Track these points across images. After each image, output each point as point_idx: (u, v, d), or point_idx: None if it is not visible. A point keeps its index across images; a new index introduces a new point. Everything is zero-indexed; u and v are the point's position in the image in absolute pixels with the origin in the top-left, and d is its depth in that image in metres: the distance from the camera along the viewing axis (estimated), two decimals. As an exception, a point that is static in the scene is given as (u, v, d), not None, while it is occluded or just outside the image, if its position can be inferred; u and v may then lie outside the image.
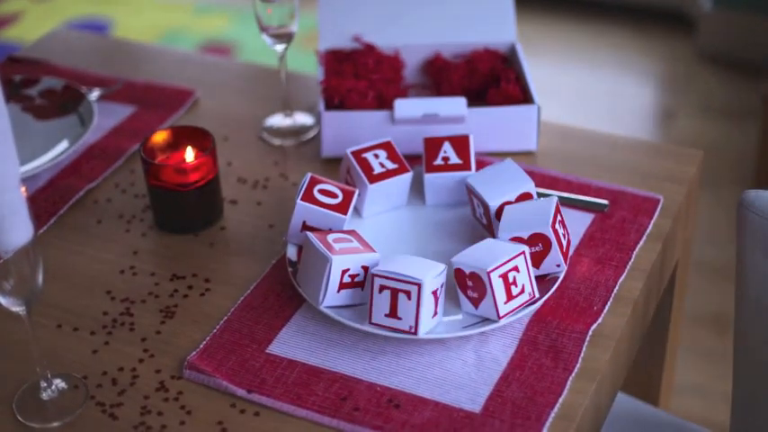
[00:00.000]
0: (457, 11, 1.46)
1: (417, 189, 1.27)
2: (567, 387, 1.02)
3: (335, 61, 1.44)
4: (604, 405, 1.10)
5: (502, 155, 1.36)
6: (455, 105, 1.32)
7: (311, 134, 1.43)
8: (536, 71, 3.09)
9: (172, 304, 1.15)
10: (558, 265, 1.11)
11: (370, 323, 1.05)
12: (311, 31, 3.42)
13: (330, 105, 1.38)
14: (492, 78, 1.42)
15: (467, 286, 1.07)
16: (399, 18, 1.46)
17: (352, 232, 1.12)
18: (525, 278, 1.06)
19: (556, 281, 1.11)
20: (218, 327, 1.11)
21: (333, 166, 1.36)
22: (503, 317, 1.06)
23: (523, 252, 1.06)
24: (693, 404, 2.09)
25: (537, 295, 1.08)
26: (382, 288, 1.04)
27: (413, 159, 1.34)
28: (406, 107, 1.32)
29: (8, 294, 0.95)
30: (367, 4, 1.46)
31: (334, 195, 1.16)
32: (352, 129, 1.34)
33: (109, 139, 1.43)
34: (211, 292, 1.17)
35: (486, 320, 1.07)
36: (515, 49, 1.44)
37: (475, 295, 1.06)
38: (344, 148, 1.34)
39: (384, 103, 1.39)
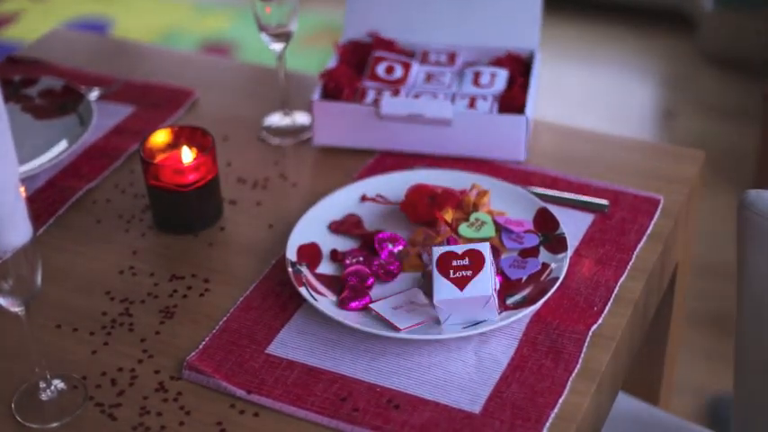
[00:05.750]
0: (482, 13, 1.45)
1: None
2: (568, 387, 1.01)
3: (351, 54, 1.45)
4: (604, 405, 1.10)
5: (489, 162, 1.34)
6: (441, 107, 1.32)
7: (310, 134, 1.43)
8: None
9: (171, 305, 1.15)
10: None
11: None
12: (310, 30, 3.42)
13: (327, 94, 1.39)
14: (511, 83, 1.41)
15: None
16: (425, 17, 1.46)
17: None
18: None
19: (556, 281, 1.10)
20: (217, 327, 1.11)
21: (328, 160, 1.36)
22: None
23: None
24: (693, 404, 2.09)
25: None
26: None
27: (398, 157, 1.35)
28: (392, 104, 1.33)
29: (7, 294, 0.95)
30: (394, 1, 1.46)
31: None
32: (341, 120, 1.35)
33: (108, 139, 1.43)
34: (211, 293, 1.16)
35: (486, 321, 1.07)
36: (534, 56, 1.43)
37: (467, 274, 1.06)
38: (335, 138, 1.36)
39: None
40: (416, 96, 1.37)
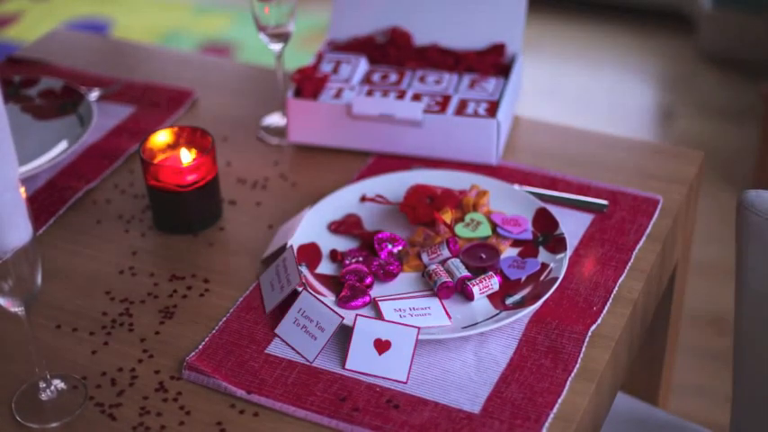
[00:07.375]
0: (467, 15, 1.45)
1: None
2: (567, 387, 1.02)
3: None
4: (604, 405, 1.10)
5: (460, 164, 1.34)
6: (411, 109, 1.32)
7: (310, 134, 1.43)
8: (536, 71, 3.10)
9: (171, 305, 1.15)
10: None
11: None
12: (309, 31, 3.42)
13: (300, 92, 1.40)
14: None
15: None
16: (409, 19, 1.46)
17: None
18: None
19: (555, 281, 1.11)
20: (217, 327, 1.11)
21: (328, 160, 1.36)
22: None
23: None
24: (693, 404, 2.09)
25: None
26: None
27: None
28: (363, 104, 1.33)
29: (7, 295, 0.95)
30: (379, 3, 1.47)
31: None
32: (314, 118, 1.36)
33: (108, 140, 1.43)
34: (210, 293, 1.16)
35: (485, 321, 1.07)
36: (515, 59, 1.43)
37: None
38: (308, 136, 1.37)
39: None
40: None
